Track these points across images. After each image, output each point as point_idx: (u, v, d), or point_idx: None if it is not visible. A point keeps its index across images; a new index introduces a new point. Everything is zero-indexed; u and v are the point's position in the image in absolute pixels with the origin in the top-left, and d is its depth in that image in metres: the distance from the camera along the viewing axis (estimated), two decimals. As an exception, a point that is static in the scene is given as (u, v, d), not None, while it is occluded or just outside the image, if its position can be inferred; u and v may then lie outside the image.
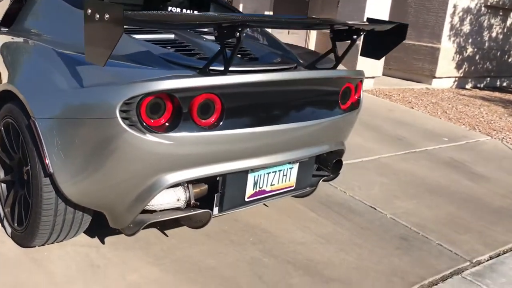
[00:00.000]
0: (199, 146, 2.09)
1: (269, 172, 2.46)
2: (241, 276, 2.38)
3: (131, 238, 2.56)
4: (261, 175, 2.42)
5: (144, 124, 1.96)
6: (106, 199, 2.12)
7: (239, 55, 2.56)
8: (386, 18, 7.39)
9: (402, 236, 2.98)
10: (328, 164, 2.77)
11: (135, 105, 1.93)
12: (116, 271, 2.29)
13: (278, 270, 2.47)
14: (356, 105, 2.81)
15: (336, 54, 2.57)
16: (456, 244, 2.96)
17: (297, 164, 2.58)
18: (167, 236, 2.64)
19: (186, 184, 2.25)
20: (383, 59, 7.43)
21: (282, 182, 2.55)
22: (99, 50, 1.78)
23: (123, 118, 1.93)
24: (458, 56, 8.55)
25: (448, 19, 8.14)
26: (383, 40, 2.75)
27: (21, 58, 2.41)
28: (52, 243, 2.35)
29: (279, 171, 2.51)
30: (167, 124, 2.01)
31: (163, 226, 2.71)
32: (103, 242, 2.50)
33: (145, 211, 2.22)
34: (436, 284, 2.53)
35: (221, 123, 2.12)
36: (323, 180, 2.97)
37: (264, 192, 2.49)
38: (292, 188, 2.62)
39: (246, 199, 2.42)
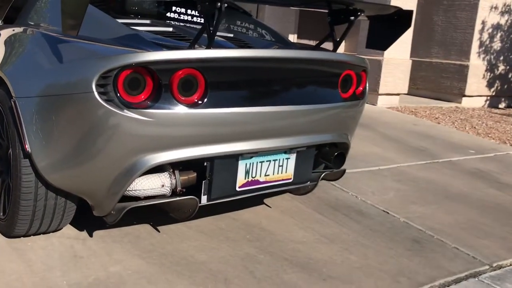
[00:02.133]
0: (182, 125, 1.98)
1: (263, 161, 2.33)
2: (231, 270, 2.22)
3: (120, 232, 2.46)
4: (253, 163, 2.29)
5: (122, 99, 1.88)
6: (84, 181, 2.03)
7: (233, 42, 2.48)
8: (410, 36, 7.25)
9: (414, 239, 2.75)
10: (330, 157, 2.61)
11: (112, 79, 1.86)
12: (98, 262, 2.17)
13: (273, 266, 2.29)
14: (360, 96, 2.66)
15: (334, 38, 2.46)
16: (475, 248, 2.71)
17: (294, 154, 2.43)
18: (158, 231, 2.51)
19: (171, 170, 2.14)
20: (407, 76, 7.25)
21: (278, 173, 2.41)
22: (71, 21, 1.74)
23: (100, 93, 1.86)
24: (489, 73, 8.25)
25: (476, 35, 7.90)
26: (388, 29, 2.63)
27: (7, 44, 2.40)
28: (36, 233, 2.27)
29: (274, 160, 2.37)
30: (146, 100, 1.93)
31: (155, 221, 2.60)
32: (91, 235, 2.40)
33: (129, 198, 2.12)
34: (449, 286, 2.29)
35: (205, 100, 2.02)
36: (326, 179, 2.81)
37: (258, 182, 2.35)
38: (290, 180, 2.47)
39: (238, 189, 2.28)
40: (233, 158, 2.20)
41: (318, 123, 2.42)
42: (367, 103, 7.19)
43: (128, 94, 1.89)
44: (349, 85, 2.56)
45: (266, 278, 2.19)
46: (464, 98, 8.10)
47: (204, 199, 2.22)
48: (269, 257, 2.37)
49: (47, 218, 2.18)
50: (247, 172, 2.28)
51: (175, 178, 2.17)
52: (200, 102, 2.01)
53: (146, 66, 1.88)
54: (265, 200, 3.05)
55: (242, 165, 2.25)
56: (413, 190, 3.58)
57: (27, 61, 2.15)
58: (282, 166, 2.41)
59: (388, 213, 3.10)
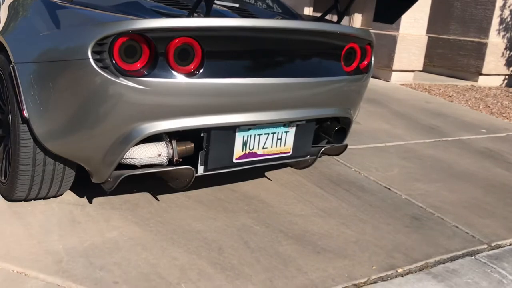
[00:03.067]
0: (178, 95, 1.98)
1: (261, 134, 2.32)
2: (226, 240, 2.24)
3: (119, 200, 2.49)
4: (251, 135, 2.28)
5: (118, 67, 1.88)
6: (81, 148, 2.05)
7: (236, 12, 2.44)
8: (428, 12, 7.08)
9: (414, 216, 2.74)
10: (330, 132, 2.59)
11: (108, 46, 1.85)
12: (96, 227, 2.21)
13: (268, 237, 2.31)
14: (364, 70, 2.62)
15: (338, 9, 2.40)
16: (475, 227, 2.69)
17: (294, 128, 2.41)
18: (158, 200, 2.54)
19: (168, 140, 2.15)
20: (423, 53, 7.11)
21: (276, 147, 2.40)
22: None
23: (96, 60, 1.85)
24: (508, 52, 8.05)
25: (497, 12, 7.68)
26: (395, 2, 2.56)
27: (10, 9, 2.41)
28: (36, 198, 2.31)
29: (273, 133, 2.36)
30: (142, 68, 1.92)
31: (155, 190, 2.62)
32: (90, 202, 2.44)
33: (126, 167, 2.14)
34: (443, 263, 2.29)
35: (201, 70, 2.00)
36: (328, 154, 2.80)
37: (256, 155, 2.34)
38: (289, 154, 2.46)
39: (235, 160, 2.28)
40: (231, 129, 2.19)
41: (319, 97, 2.39)
42: (380, 79, 7.09)
43: (124, 61, 1.89)
44: (353, 58, 2.52)
45: (260, 249, 2.20)
46: (480, 77, 7.93)
47: (200, 170, 2.23)
48: (265, 229, 2.38)
49: (46, 183, 2.21)
50: (244, 144, 2.28)
51: (172, 148, 2.18)
52: (196, 71, 2.00)
53: (142, 34, 1.87)
54: (266, 173, 3.05)
55: (239, 137, 2.25)
56: (418, 168, 3.55)
57: (26, 26, 2.15)
58: (280, 139, 2.40)
59: (390, 189, 3.08)
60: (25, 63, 2.02)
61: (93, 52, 1.84)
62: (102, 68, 1.86)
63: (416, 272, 2.19)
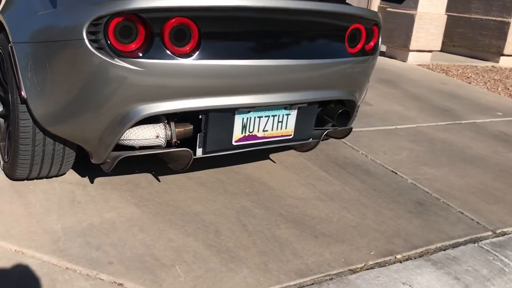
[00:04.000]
0: (174, 76, 1.95)
1: (261, 117, 2.29)
2: (224, 222, 2.24)
3: (121, 180, 2.50)
4: (250, 118, 2.25)
5: (113, 47, 1.86)
6: (78, 129, 2.05)
7: None
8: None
9: (418, 201, 2.69)
10: (333, 115, 2.54)
11: (103, 26, 1.83)
12: (95, 207, 2.23)
13: (266, 220, 2.30)
14: (370, 52, 2.55)
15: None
16: (481, 213, 2.64)
17: (296, 110, 2.38)
18: (159, 181, 2.55)
19: (167, 121, 2.14)
20: (441, 32, 6.92)
21: (277, 129, 2.37)
22: None
23: (91, 41, 1.84)
24: (532, 32, 7.78)
25: (521, -10, 7.41)
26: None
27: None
28: (38, 177, 2.33)
29: (274, 116, 2.33)
30: (138, 49, 1.90)
31: (157, 171, 2.63)
32: (92, 182, 2.46)
33: (125, 148, 2.14)
34: (445, 250, 2.25)
35: (198, 52, 1.97)
36: (333, 137, 2.76)
37: (256, 137, 2.32)
38: (290, 137, 2.43)
39: (234, 143, 2.26)
40: (229, 112, 2.17)
41: (321, 79, 2.34)
42: (397, 59, 6.94)
43: (119, 42, 1.87)
44: (358, 39, 2.46)
45: (257, 232, 2.20)
46: (502, 58, 7.71)
47: (199, 152, 2.22)
48: (264, 212, 2.37)
49: (47, 163, 2.23)
50: (244, 127, 2.25)
51: (171, 130, 2.17)
52: (193, 53, 1.97)
53: (137, 14, 1.84)
54: (271, 155, 3.03)
55: (238, 120, 2.22)
56: (427, 151, 3.48)
57: (24, 5, 2.14)
58: (281, 122, 2.37)
59: (396, 173, 3.03)
60: (23, 43, 2.01)
61: (88, 33, 1.83)
62: (97, 48, 1.84)
63: (415, 258, 2.16)
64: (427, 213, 2.57)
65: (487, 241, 2.38)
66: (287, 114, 2.37)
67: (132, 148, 2.16)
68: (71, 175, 2.49)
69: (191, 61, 1.96)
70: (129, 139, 2.10)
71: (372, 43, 2.56)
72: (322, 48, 2.32)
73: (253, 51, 2.11)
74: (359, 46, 2.47)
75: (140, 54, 1.89)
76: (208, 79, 2.02)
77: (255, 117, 2.27)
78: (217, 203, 2.40)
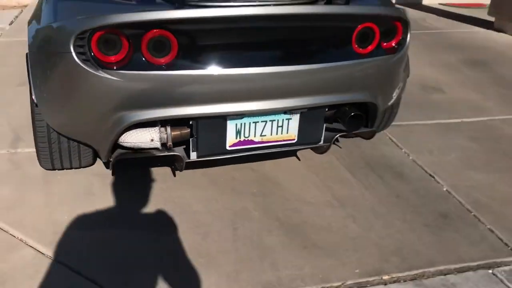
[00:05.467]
0: (156, 86, 2.02)
1: (257, 122, 2.26)
2: (217, 224, 2.29)
3: (139, 174, 2.66)
4: (244, 123, 2.24)
5: (97, 59, 1.97)
6: (79, 132, 2.23)
7: None
8: None
9: (443, 213, 2.47)
10: (344, 118, 2.41)
11: (87, 40, 1.95)
12: (105, 201, 2.42)
13: (260, 225, 2.30)
14: (390, 51, 2.35)
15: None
16: (515, 232, 2.34)
17: (297, 115, 2.31)
18: (174, 176, 2.66)
19: (161, 125, 2.23)
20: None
21: (277, 134, 2.33)
22: None
23: (78, 53, 1.97)
24: None
25: None
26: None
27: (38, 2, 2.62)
28: (63, 169, 2.58)
29: (272, 121, 2.29)
30: (120, 61, 1.99)
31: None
32: (113, 174, 2.65)
33: (124, 149, 2.28)
34: (445, 275, 2.07)
35: (177, 62, 2.01)
36: (359, 137, 2.62)
37: (252, 142, 2.31)
38: (294, 141, 2.37)
39: (228, 148, 2.28)
40: (220, 118, 2.18)
41: (320, 84, 2.23)
42: (506, 33, 6.16)
43: (103, 54, 1.97)
44: (370, 38, 2.27)
45: (245, 237, 2.22)
46: None
47: (193, 155, 2.28)
48: (262, 215, 2.37)
49: (65, 158, 2.46)
50: (238, 132, 2.25)
51: (166, 133, 2.25)
52: (173, 63, 2.01)
53: (116, 28, 1.92)
54: (299, 153, 2.97)
55: (231, 125, 2.22)
56: (485, 152, 3.13)
57: (35, 16, 2.34)
58: (282, 126, 2.32)
59: (433, 178, 2.79)
60: (32, 52, 2.22)
61: (76, 46, 1.96)
62: (83, 61, 1.97)
63: (404, 281, 2.02)
64: (447, 228, 2.35)
65: (506, 268, 2.12)
66: (288, 119, 2.31)
67: (132, 149, 2.29)
68: (99, 166, 2.71)
69: (172, 71, 2.00)
70: (126, 142, 2.23)
71: (393, 42, 2.36)
72: (320, 52, 2.21)
73: (237, 60, 2.08)
74: (371, 46, 2.29)
75: (122, 66, 1.98)
76: (191, 88, 2.05)
77: (249, 123, 2.25)
78: (219, 203, 2.45)
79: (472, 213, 2.48)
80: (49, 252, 2.06)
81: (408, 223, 2.37)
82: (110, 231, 2.21)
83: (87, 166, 2.66)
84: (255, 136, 2.29)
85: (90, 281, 1.92)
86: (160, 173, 2.68)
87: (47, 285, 1.89)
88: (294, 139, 2.37)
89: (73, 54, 1.96)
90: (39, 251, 2.07)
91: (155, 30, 1.94)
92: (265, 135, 2.31)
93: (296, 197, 2.54)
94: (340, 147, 3.04)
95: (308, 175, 2.75)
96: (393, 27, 2.34)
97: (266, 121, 2.28)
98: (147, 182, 2.60)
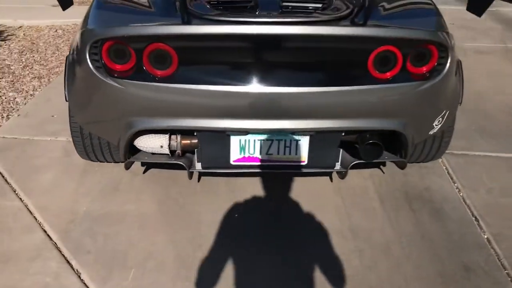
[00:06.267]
0: (156, 97, 2.07)
1: (262, 140, 2.21)
2: (213, 238, 2.29)
3: (169, 174, 2.74)
4: (249, 140, 2.20)
5: (107, 68, 2.09)
6: (100, 132, 2.38)
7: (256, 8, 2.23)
8: None
9: (468, 265, 2.17)
10: (361, 145, 2.24)
11: (99, 49, 2.07)
12: (125, 198, 2.56)
13: (259, 241, 2.25)
14: (419, 77, 2.12)
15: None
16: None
17: (307, 137, 2.20)
18: (198, 182, 2.71)
19: (172, 133, 2.29)
20: None
21: (285, 154, 2.25)
22: None
23: (93, 60, 2.11)
24: None
25: None
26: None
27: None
28: (99, 161, 2.77)
29: (278, 140, 2.21)
30: (126, 70, 2.08)
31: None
32: (144, 172, 2.79)
33: (139, 151, 2.40)
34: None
35: (177, 75, 2.04)
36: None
37: (257, 159, 2.26)
38: (304, 163, 2.27)
39: (232, 162, 2.26)
40: (223, 132, 2.17)
41: (332, 108, 2.09)
42: None
43: (111, 63, 2.08)
44: (392, 63, 2.07)
45: (233, 256, 2.19)
46: None
47: (198, 166, 2.30)
48: (262, 230, 2.31)
49: (98, 152, 2.64)
50: (242, 148, 2.22)
51: (176, 141, 2.31)
52: (173, 76, 2.04)
53: (121, 40, 2.02)
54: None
55: (235, 141, 2.20)
56: (559, 199, 2.66)
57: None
58: (290, 147, 2.23)
59: (477, 221, 2.46)
60: (67, 56, 2.42)
61: (90, 53, 2.10)
62: (96, 68, 2.10)
63: (382, 336, 1.83)
64: (461, 283, 2.07)
65: None
66: (296, 140, 2.21)
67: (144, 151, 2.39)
68: (136, 163, 2.86)
69: (172, 84, 2.04)
70: (140, 146, 2.34)
71: (424, 68, 2.12)
72: (330, 74, 2.07)
73: (241, 77, 2.04)
74: (392, 71, 2.08)
75: (128, 75, 2.08)
76: (191, 101, 2.06)
77: (254, 140, 2.20)
78: (223, 218, 2.44)
79: (506, 271, 2.14)
80: (56, 239, 2.26)
81: (420, 270, 2.13)
82: (116, 227, 2.34)
83: (121, 162, 2.83)
84: (260, 154, 2.24)
85: (76, 273, 2.07)
86: (183, 177, 2.70)
87: (39, 270, 2.08)
88: (304, 162, 2.27)
89: (88, 60, 2.10)
90: (49, 237, 2.28)
91: (154, 43, 1.99)
92: (271, 154, 2.24)
93: (309, 220, 2.43)
94: (384, 172, 2.82)
95: (332, 198, 2.61)
96: (425, 52, 2.10)
97: (272, 140, 2.21)
98: (170, 184, 2.68)
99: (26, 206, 2.49)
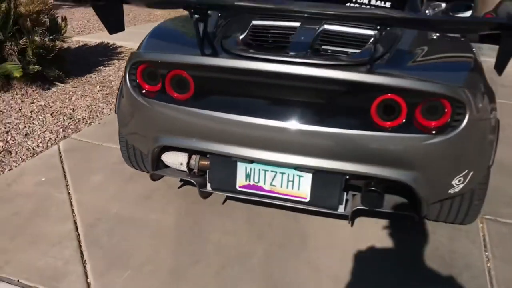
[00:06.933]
0: (175, 118, 2.29)
1: (266, 170, 2.30)
2: (211, 257, 2.41)
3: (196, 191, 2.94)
4: (254, 168, 2.31)
5: (140, 87, 2.38)
6: (136, 142, 2.65)
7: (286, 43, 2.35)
8: None
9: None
10: (362, 191, 2.22)
11: (135, 70, 2.37)
12: (153, 207, 2.80)
13: (245, 273, 2.32)
14: (428, 130, 2.07)
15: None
16: None
17: (310, 174, 2.25)
18: (222, 204, 2.85)
19: (186, 151, 2.48)
20: None
21: (288, 188, 2.31)
22: None
23: (131, 80, 2.41)
24: None
25: None
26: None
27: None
28: (141, 170, 3.03)
29: (282, 173, 2.29)
30: (153, 91, 2.35)
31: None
32: (179, 187, 3.02)
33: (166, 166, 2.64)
34: None
35: (193, 100, 2.24)
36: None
37: (262, 189, 2.35)
38: (306, 200, 2.31)
39: (238, 188, 2.38)
40: (230, 158, 2.31)
41: (333, 149, 2.12)
42: None
43: (143, 83, 2.36)
44: (396, 112, 2.05)
45: (219, 278, 2.28)
46: None
47: (209, 186, 2.46)
48: (255, 267, 2.38)
49: (138, 162, 2.92)
50: (247, 175, 2.33)
51: (195, 161, 2.50)
52: (189, 100, 2.25)
53: (151, 63, 2.29)
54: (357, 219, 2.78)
55: (241, 167, 2.32)
56: None
57: None
58: (292, 181, 2.29)
59: (495, 296, 2.26)
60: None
61: (130, 73, 2.40)
62: (133, 86, 2.40)
63: None
64: None
65: None
66: (299, 176, 2.27)
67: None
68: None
69: (187, 107, 2.25)
70: (165, 160, 2.57)
71: (433, 122, 2.06)
72: (334, 116, 2.11)
73: (250, 108, 2.17)
74: (395, 121, 2.06)
75: (154, 96, 2.34)
76: (203, 126, 2.24)
77: (259, 169, 2.31)
78: (228, 242, 2.54)
79: None
80: (81, 231, 2.56)
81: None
82: (130, 232, 2.57)
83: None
84: (264, 184, 2.33)
85: (83, 263, 2.33)
86: (217, 196, 2.87)
87: (55, 255, 2.38)
88: (306, 198, 2.31)
89: (128, 79, 2.41)
90: (76, 228, 2.59)
91: (175, 70, 2.23)
92: (275, 185, 2.32)
93: (312, 263, 2.43)
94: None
95: (345, 243, 2.57)
96: (437, 105, 2.04)
97: (276, 172, 2.29)
98: (199, 201, 2.83)
99: (70, 199, 2.85)
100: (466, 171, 2.24)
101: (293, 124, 2.12)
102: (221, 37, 2.43)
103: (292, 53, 2.20)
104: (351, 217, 2.32)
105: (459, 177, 2.24)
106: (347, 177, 2.25)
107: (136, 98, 2.37)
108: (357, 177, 2.24)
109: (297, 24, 2.47)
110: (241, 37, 2.41)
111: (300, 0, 2.34)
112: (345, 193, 2.30)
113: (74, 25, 7.64)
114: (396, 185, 2.26)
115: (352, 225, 2.58)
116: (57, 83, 4.75)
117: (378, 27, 2.00)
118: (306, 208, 2.35)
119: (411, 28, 2.40)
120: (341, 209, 2.32)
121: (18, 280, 2.20)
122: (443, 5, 4.02)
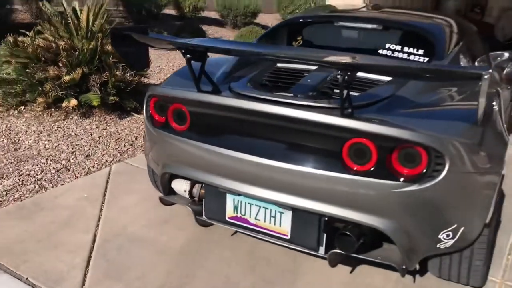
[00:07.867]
0: (177, 147, 2.51)
1: (252, 204, 2.40)
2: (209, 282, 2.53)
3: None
4: (241, 201, 2.42)
5: (152, 117, 2.65)
6: (153, 167, 2.90)
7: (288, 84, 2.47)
8: None
9: None
10: (335, 235, 2.22)
11: (149, 102, 2.65)
12: (167, 230, 3.00)
13: (226, 300, 2.40)
14: (404, 177, 2.04)
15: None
16: None
17: (290, 212, 2.30)
18: (231, 236, 2.97)
19: (188, 180, 2.66)
20: None
21: (270, 223, 2.38)
22: None
23: (147, 110, 2.69)
24: None
25: None
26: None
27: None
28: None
29: (265, 208, 2.38)
30: (160, 122, 2.60)
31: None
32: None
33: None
34: None
35: (188, 131, 2.45)
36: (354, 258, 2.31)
37: (247, 222, 2.44)
38: (287, 237, 2.36)
39: (227, 218, 2.50)
40: (219, 189, 2.45)
41: (305, 188, 2.17)
42: None
43: (154, 114, 2.63)
44: (367, 156, 2.05)
45: (203, 302, 2.38)
46: None
47: (204, 214, 2.61)
48: (240, 295, 2.44)
49: (159, 187, 3.16)
50: (235, 207, 2.44)
51: (196, 189, 2.68)
52: (186, 131, 2.46)
53: (158, 98, 2.55)
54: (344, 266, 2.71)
55: (230, 199, 2.44)
56: None
57: None
58: (274, 217, 2.35)
59: None
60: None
61: (147, 105, 2.69)
62: (147, 116, 2.68)
63: None
64: None
65: None
66: (280, 212, 2.33)
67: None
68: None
69: (185, 138, 2.46)
70: (173, 187, 2.79)
71: (405, 170, 2.03)
72: (309, 156, 2.17)
73: (234, 144, 2.31)
74: (366, 165, 2.06)
75: (160, 126, 2.59)
76: (196, 156, 2.43)
77: (245, 202, 2.41)
78: (221, 272, 2.63)
79: None
80: (97, 244, 2.85)
81: None
82: (139, 250, 2.80)
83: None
84: (250, 217, 2.42)
85: (85, 271, 2.59)
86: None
87: (64, 260, 2.67)
88: (287, 235, 2.35)
89: (145, 110, 2.69)
90: (93, 240, 2.88)
91: (175, 104, 2.47)
92: (259, 220, 2.40)
93: (291, 298, 2.44)
94: (414, 282, 2.59)
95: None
96: (413, 153, 2.01)
97: (260, 207, 2.38)
98: (210, 227, 3.01)
99: (99, 215, 3.17)
100: (455, 225, 2.14)
101: (274, 161, 2.21)
102: (213, 76, 2.63)
103: (272, 93, 2.32)
104: (330, 260, 2.30)
105: (447, 231, 2.14)
106: (326, 218, 2.25)
107: (149, 127, 2.64)
108: (335, 219, 2.24)
109: (285, 65, 2.66)
110: (227, 77, 2.63)
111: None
112: (325, 235, 2.30)
113: (161, 65, 8.21)
114: (377, 233, 2.21)
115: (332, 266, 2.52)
116: (133, 113, 5.27)
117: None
118: (289, 246, 2.39)
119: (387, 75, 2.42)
120: (321, 250, 2.32)
121: (26, 278, 2.52)
122: (506, 54, 3.83)
